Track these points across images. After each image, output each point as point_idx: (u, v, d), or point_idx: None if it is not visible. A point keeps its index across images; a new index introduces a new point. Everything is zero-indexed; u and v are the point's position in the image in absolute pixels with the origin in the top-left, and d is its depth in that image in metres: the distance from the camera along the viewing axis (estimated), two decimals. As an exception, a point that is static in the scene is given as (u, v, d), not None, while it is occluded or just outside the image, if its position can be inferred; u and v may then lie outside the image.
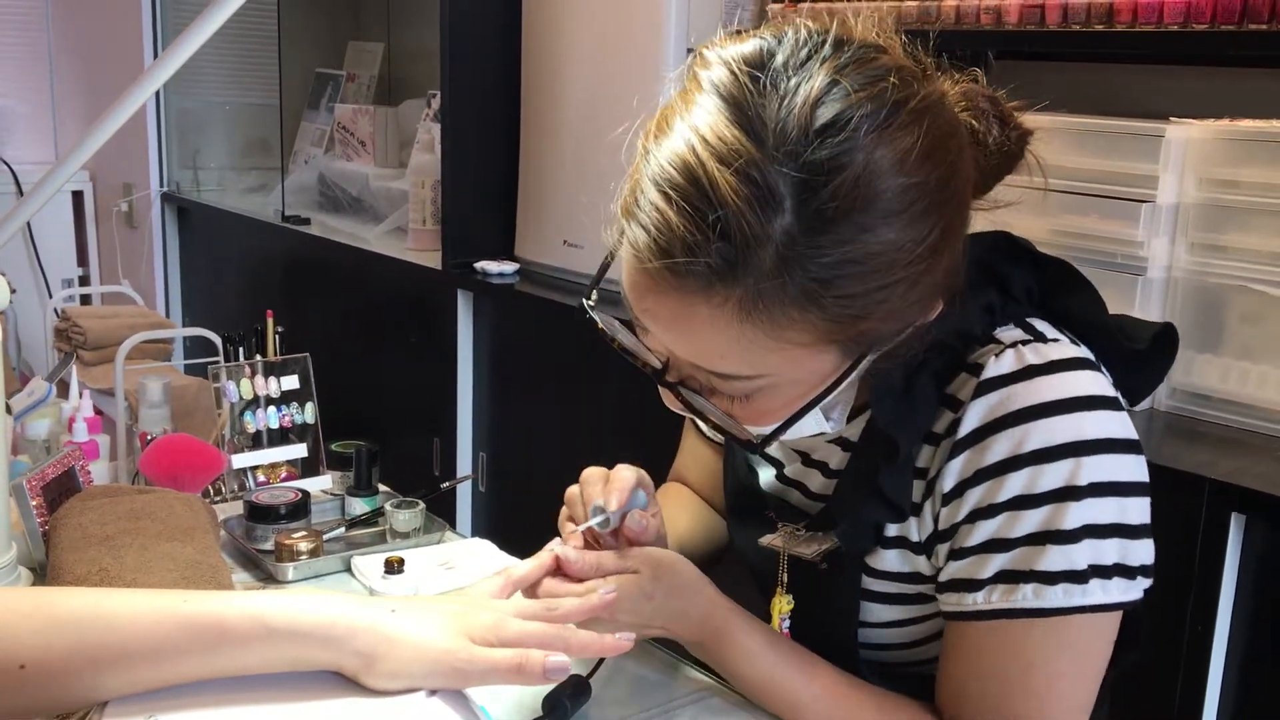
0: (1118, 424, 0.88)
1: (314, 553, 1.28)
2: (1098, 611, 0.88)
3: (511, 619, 0.89)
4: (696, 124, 0.78)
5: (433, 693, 0.86)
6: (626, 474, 0.99)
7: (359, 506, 1.42)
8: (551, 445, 2.56)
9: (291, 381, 1.59)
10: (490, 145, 2.72)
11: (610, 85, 2.36)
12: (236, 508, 1.40)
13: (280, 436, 1.58)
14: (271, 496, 1.37)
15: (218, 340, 1.75)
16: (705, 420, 0.91)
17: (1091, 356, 0.92)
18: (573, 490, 1.02)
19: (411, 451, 2.93)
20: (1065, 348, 0.90)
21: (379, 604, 0.89)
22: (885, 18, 0.86)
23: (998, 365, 0.89)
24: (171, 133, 4.05)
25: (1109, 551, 0.87)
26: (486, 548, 1.36)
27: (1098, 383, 0.89)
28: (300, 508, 1.35)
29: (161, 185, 4.06)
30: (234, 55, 3.98)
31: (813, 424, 0.91)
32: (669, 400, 0.90)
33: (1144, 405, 1.72)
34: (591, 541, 1.00)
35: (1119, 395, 0.92)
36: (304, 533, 1.29)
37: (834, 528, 0.97)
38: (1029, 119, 0.96)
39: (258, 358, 1.59)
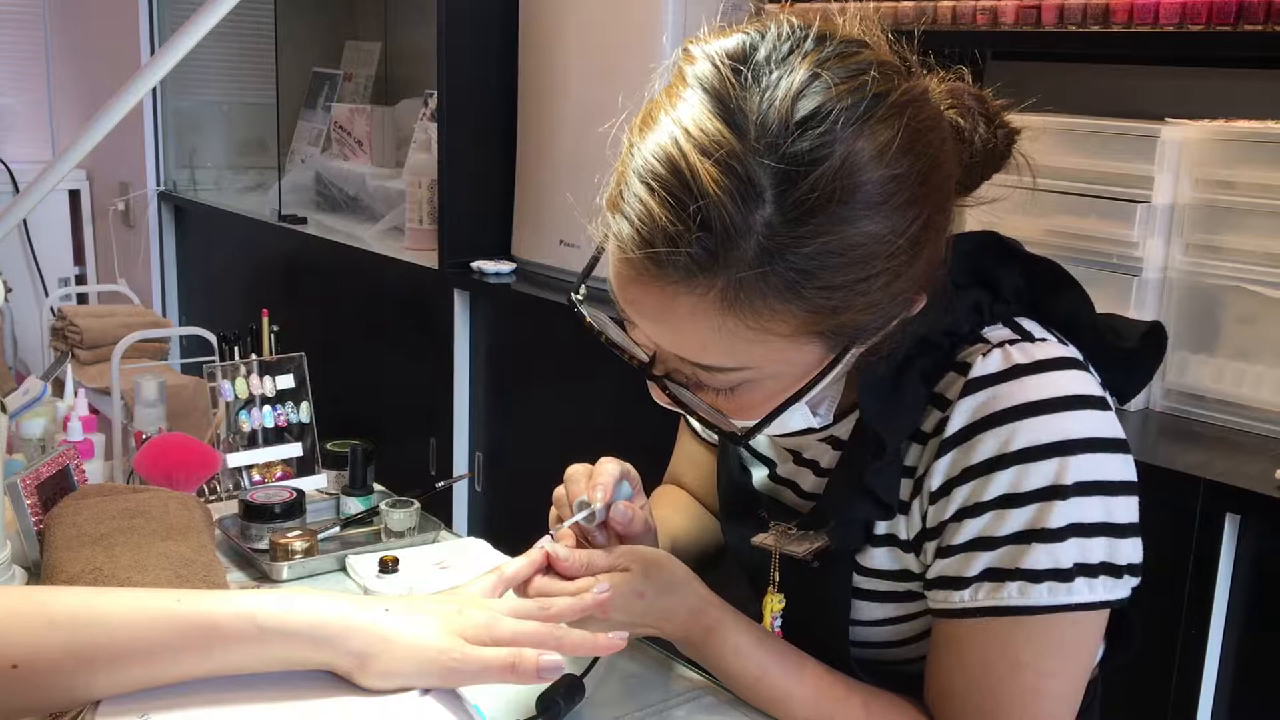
0: (1104, 423, 0.88)
1: (309, 552, 1.28)
2: (1084, 610, 0.88)
3: (505, 618, 0.89)
4: (680, 117, 0.79)
5: (426, 692, 0.86)
6: (610, 467, 1.00)
7: (354, 506, 1.42)
8: (548, 445, 2.56)
9: (287, 381, 1.59)
10: (487, 145, 2.72)
11: (607, 85, 2.36)
12: (231, 507, 1.40)
13: (275, 436, 1.58)
14: (266, 496, 1.37)
15: (213, 339, 1.75)
16: (692, 414, 0.91)
17: (1079, 356, 0.92)
18: (559, 491, 1.02)
19: (408, 451, 2.93)
20: (1053, 347, 0.90)
21: (373, 603, 0.89)
22: (870, 14, 0.86)
23: (985, 364, 0.89)
24: (168, 132, 4.05)
25: (1095, 550, 0.87)
26: (482, 547, 1.36)
27: (1085, 382, 0.89)
28: (295, 507, 1.35)
29: (158, 184, 4.06)
30: (231, 54, 3.98)
31: (799, 419, 0.91)
32: (657, 395, 0.91)
33: (1139, 405, 1.72)
34: (581, 539, 1.00)
35: (1107, 395, 0.92)
36: (299, 532, 1.29)
37: (825, 526, 0.97)
38: (1016, 118, 0.97)
39: (253, 357, 1.59)
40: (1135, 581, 0.90)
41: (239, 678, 0.86)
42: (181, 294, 4.14)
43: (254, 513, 1.34)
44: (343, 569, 1.30)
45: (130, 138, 3.99)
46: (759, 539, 1.02)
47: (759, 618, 1.03)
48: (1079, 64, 2.12)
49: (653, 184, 0.79)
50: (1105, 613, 0.91)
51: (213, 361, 1.58)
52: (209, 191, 4.07)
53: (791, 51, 0.80)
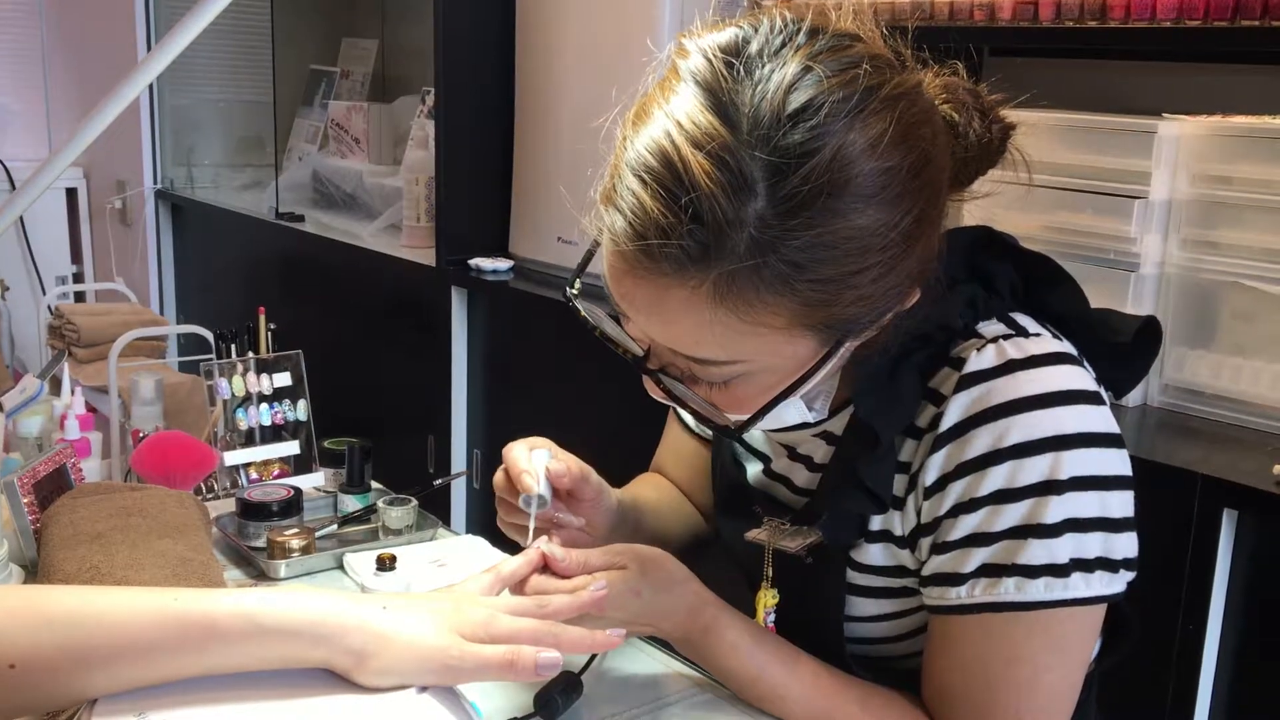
0: (1099, 418, 0.89)
1: (306, 550, 1.28)
2: (1080, 605, 0.88)
3: (502, 616, 0.89)
4: (673, 110, 0.80)
5: (424, 689, 0.86)
6: (515, 451, 1.01)
7: (351, 504, 1.42)
8: (546, 442, 2.56)
9: (284, 379, 1.59)
10: (484, 142, 2.71)
11: (605, 82, 2.35)
12: (229, 505, 1.40)
13: (273, 434, 1.58)
14: (264, 494, 1.36)
15: (210, 337, 1.75)
16: (686, 408, 0.91)
17: (1073, 351, 0.92)
18: (501, 515, 1.05)
19: (406, 449, 2.92)
20: (1047, 342, 0.91)
21: (370, 601, 0.89)
22: (864, 9, 0.87)
23: (979, 360, 0.89)
24: (165, 130, 4.05)
25: (1092, 545, 0.88)
26: (480, 545, 1.36)
27: (1079, 377, 0.89)
28: (292, 505, 1.35)
29: (155, 182, 4.06)
30: (228, 52, 3.98)
31: (794, 413, 0.91)
32: (651, 389, 0.91)
33: (1136, 401, 1.72)
34: (549, 526, 1.02)
35: (1101, 389, 0.92)
36: (296, 530, 1.29)
37: (818, 521, 0.98)
38: (1011, 113, 0.97)
39: (250, 355, 1.59)
40: (1131, 576, 0.90)
41: (236, 676, 0.86)
42: (179, 292, 4.14)
43: (251, 511, 1.34)
44: (340, 567, 1.30)
45: (127, 136, 3.98)
46: (752, 534, 1.02)
47: (754, 613, 1.03)
48: (1076, 59, 2.12)
49: (645, 177, 0.79)
50: (1102, 608, 0.91)
51: (210, 359, 1.58)
52: (206, 189, 4.06)
53: (784, 45, 0.80)
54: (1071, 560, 0.87)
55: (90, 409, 1.72)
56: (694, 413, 0.92)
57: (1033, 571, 0.87)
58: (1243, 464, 1.49)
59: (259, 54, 3.86)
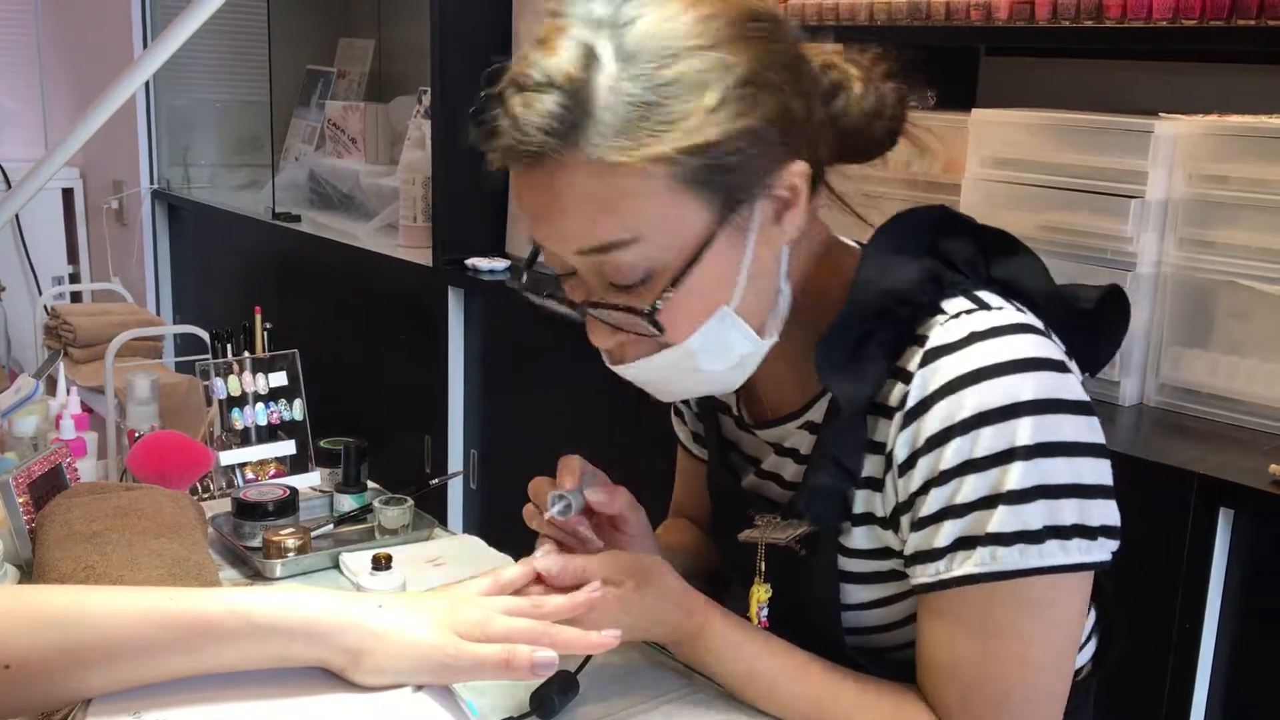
0: (1059, 384, 0.89)
1: (302, 549, 1.28)
2: (1060, 573, 0.88)
3: (498, 615, 0.89)
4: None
5: (419, 688, 0.86)
6: (572, 459, 1.02)
7: (347, 503, 1.42)
8: (543, 442, 2.56)
9: (280, 378, 1.59)
10: (481, 142, 2.71)
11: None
12: (225, 504, 1.40)
13: (269, 433, 1.58)
14: (259, 493, 1.36)
15: (206, 337, 1.75)
16: (623, 334, 0.93)
17: (1037, 323, 0.93)
18: (528, 508, 1.03)
19: (402, 449, 2.92)
20: (1008, 314, 0.91)
21: (365, 600, 0.89)
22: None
23: (942, 334, 0.90)
24: (162, 130, 4.04)
25: (1066, 511, 0.88)
26: (476, 544, 1.36)
27: (1040, 346, 0.90)
28: (288, 504, 1.35)
29: (152, 182, 4.05)
30: (224, 52, 3.97)
31: (740, 337, 0.92)
32: (597, 337, 0.94)
33: (1133, 400, 1.72)
34: (573, 542, 1.01)
35: (1068, 360, 0.92)
36: (292, 529, 1.29)
37: (801, 506, 0.98)
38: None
39: (246, 354, 1.58)
40: (1114, 545, 0.91)
41: (231, 675, 0.85)
42: (175, 292, 4.13)
43: (247, 510, 1.33)
44: (336, 566, 1.30)
45: (124, 136, 3.98)
46: (745, 534, 1.03)
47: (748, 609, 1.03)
48: (1072, 59, 2.12)
49: (510, 89, 0.88)
50: (1087, 578, 0.91)
51: (206, 359, 1.58)
52: (203, 189, 4.06)
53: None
54: (1045, 527, 0.87)
55: (86, 409, 1.72)
56: (630, 341, 0.93)
57: (1005, 539, 0.87)
58: (1239, 463, 1.49)
59: (255, 54, 3.86)
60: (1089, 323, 0.99)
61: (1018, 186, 1.79)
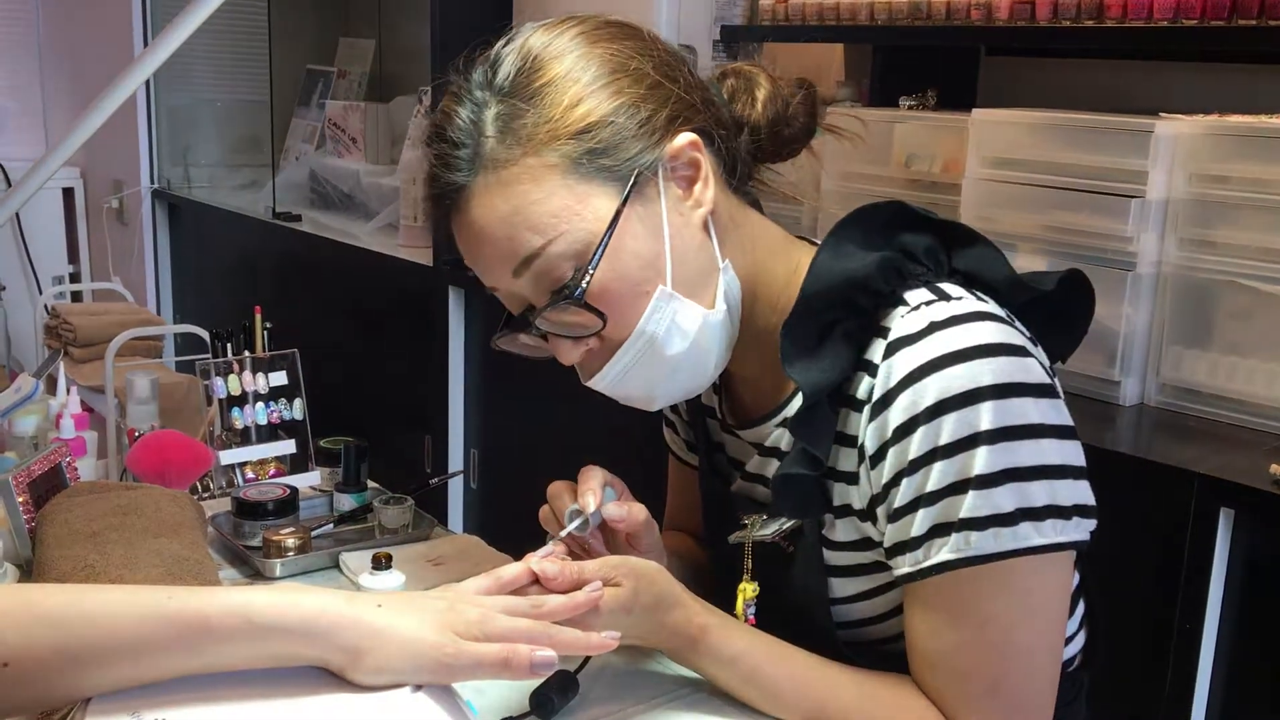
0: (1019, 369, 0.90)
1: (302, 549, 1.27)
2: (1037, 554, 0.89)
3: (498, 614, 0.89)
4: None
5: (418, 688, 0.86)
6: (594, 471, 1.04)
7: (347, 503, 1.42)
8: (543, 442, 2.56)
9: (280, 378, 1.59)
10: (481, 141, 2.71)
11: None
12: (225, 504, 1.40)
13: (269, 433, 1.58)
14: (259, 493, 1.36)
15: (207, 336, 1.75)
16: (583, 343, 0.96)
17: (999, 311, 0.94)
18: (545, 511, 1.05)
19: (403, 448, 2.92)
20: (968, 303, 0.92)
21: (364, 599, 0.89)
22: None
23: (904, 326, 0.92)
24: (162, 129, 4.04)
25: (1037, 493, 0.88)
26: (476, 544, 1.36)
27: (1000, 332, 0.91)
28: (288, 504, 1.35)
29: (152, 182, 4.05)
30: (224, 52, 3.97)
31: (691, 314, 0.95)
32: (562, 353, 0.98)
33: (1133, 400, 1.72)
34: (579, 550, 1.02)
35: (1031, 345, 0.93)
36: (292, 529, 1.29)
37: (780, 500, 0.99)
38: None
39: (246, 354, 1.58)
40: (1091, 525, 0.91)
41: (230, 675, 0.85)
42: (175, 292, 4.13)
43: (247, 510, 1.33)
44: (336, 566, 1.30)
45: (124, 135, 3.98)
46: (734, 536, 1.04)
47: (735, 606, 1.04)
48: (1073, 59, 2.12)
49: (426, 152, 0.97)
50: (1067, 558, 0.92)
51: (206, 359, 1.58)
52: (203, 189, 4.06)
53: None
54: (1018, 509, 0.88)
55: (86, 408, 1.72)
56: (588, 347, 0.96)
57: (979, 524, 0.88)
58: (1239, 463, 1.49)
59: (256, 53, 3.85)
60: (1053, 309, 1.00)
61: (1018, 186, 1.79)
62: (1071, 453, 0.91)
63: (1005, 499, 0.88)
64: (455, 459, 2.80)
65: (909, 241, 0.97)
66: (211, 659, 0.84)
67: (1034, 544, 0.88)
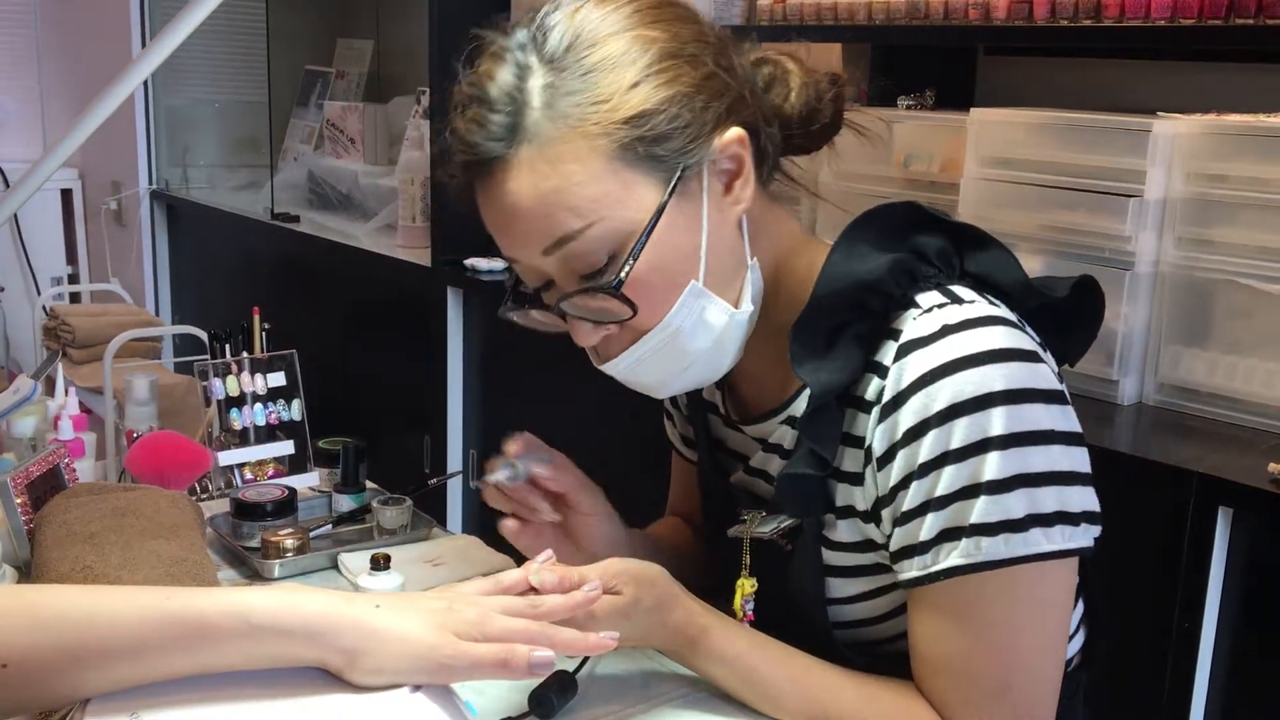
0: (1031, 375, 0.90)
1: (300, 550, 1.28)
2: (1046, 560, 0.89)
3: (496, 615, 0.89)
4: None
5: (417, 688, 0.86)
6: (522, 434, 1.08)
7: (346, 503, 1.42)
8: (543, 441, 2.55)
9: (278, 378, 1.59)
10: (479, 142, 2.71)
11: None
12: (223, 505, 1.40)
13: (267, 434, 1.57)
14: (258, 494, 1.36)
15: (205, 337, 1.75)
16: (604, 328, 0.95)
17: (1010, 315, 0.93)
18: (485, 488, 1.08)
19: (401, 449, 2.92)
20: (981, 307, 0.92)
21: (363, 600, 0.89)
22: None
23: (916, 328, 0.91)
24: (160, 130, 4.04)
25: (1046, 499, 0.88)
26: (475, 544, 1.36)
27: (1011, 337, 0.90)
28: (287, 505, 1.35)
29: (150, 183, 4.05)
30: (223, 53, 3.97)
31: (716, 312, 0.94)
32: (580, 335, 0.96)
33: (1132, 399, 1.72)
34: (520, 508, 1.06)
35: (1041, 350, 0.93)
36: (290, 530, 1.29)
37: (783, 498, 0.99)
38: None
39: (244, 355, 1.58)
40: (1096, 531, 0.91)
41: (229, 675, 0.85)
42: (174, 293, 4.13)
43: (246, 511, 1.33)
44: (334, 567, 1.30)
45: (122, 136, 3.98)
46: (733, 530, 1.04)
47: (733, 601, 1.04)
48: (1071, 58, 2.12)
49: (456, 113, 0.93)
50: (1073, 564, 0.92)
51: (205, 360, 1.58)
52: (201, 190, 4.05)
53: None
54: (1028, 515, 0.88)
55: (84, 409, 1.71)
56: (609, 336, 0.95)
57: (989, 529, 0.88)
58: (1238, 462, 1.49)
59: (254, 54, 3.85)
60: (1064, 314, 1.00)
61: (1016, 186, 1.79)
62: (1080, 459, 0.91)
63: (1016, 504, 0.87)
64: (454, 459, 2.80)
65: (922, 243, 0.97)
66: (211, 660, 0.84)
67: (1043, 550, 0.88)
